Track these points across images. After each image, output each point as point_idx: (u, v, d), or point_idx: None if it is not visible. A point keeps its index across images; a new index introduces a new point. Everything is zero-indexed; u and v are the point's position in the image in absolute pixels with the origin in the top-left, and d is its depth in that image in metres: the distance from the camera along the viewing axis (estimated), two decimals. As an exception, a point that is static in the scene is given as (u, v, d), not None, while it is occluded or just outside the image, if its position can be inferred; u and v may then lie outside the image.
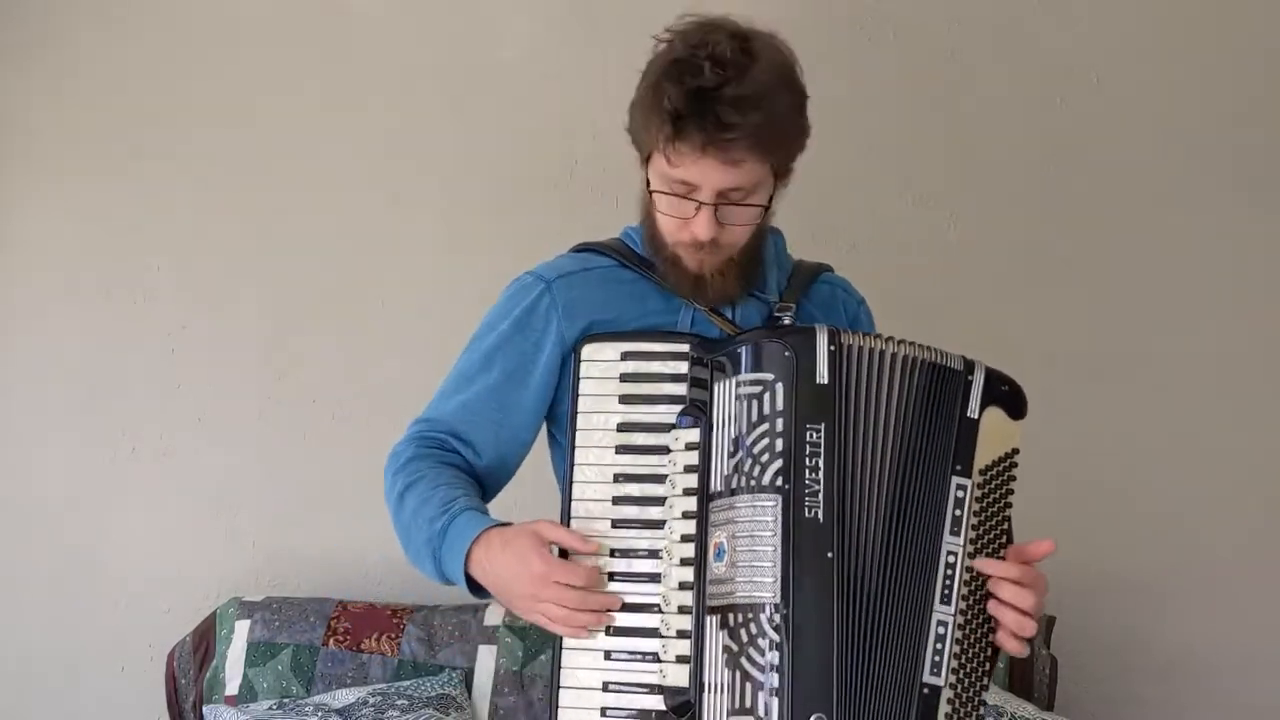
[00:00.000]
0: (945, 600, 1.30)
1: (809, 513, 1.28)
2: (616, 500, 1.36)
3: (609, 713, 1.30)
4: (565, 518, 1.36)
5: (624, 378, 1.38)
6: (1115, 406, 2.40)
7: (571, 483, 1.37)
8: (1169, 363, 2.41)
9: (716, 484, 1.31)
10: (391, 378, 2.41)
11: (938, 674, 1.29)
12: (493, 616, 2.21)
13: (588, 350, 1.40)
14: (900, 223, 2.41)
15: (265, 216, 2.42)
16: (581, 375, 1.39)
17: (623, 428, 1.37)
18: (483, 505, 1.44)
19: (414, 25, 2.43)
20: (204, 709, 2.16)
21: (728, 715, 1.25)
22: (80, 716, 2.38)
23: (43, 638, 2.38)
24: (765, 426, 1.29)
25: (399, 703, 2.06)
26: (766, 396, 1.30)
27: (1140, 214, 2.42)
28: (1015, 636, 1.31)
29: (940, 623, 1.30)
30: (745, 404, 1.31)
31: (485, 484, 1.52)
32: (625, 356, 1.39)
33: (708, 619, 1.28)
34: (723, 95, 1.32)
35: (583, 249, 1.56)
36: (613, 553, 1.34)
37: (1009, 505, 1.36)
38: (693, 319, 1.46)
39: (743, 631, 1.26)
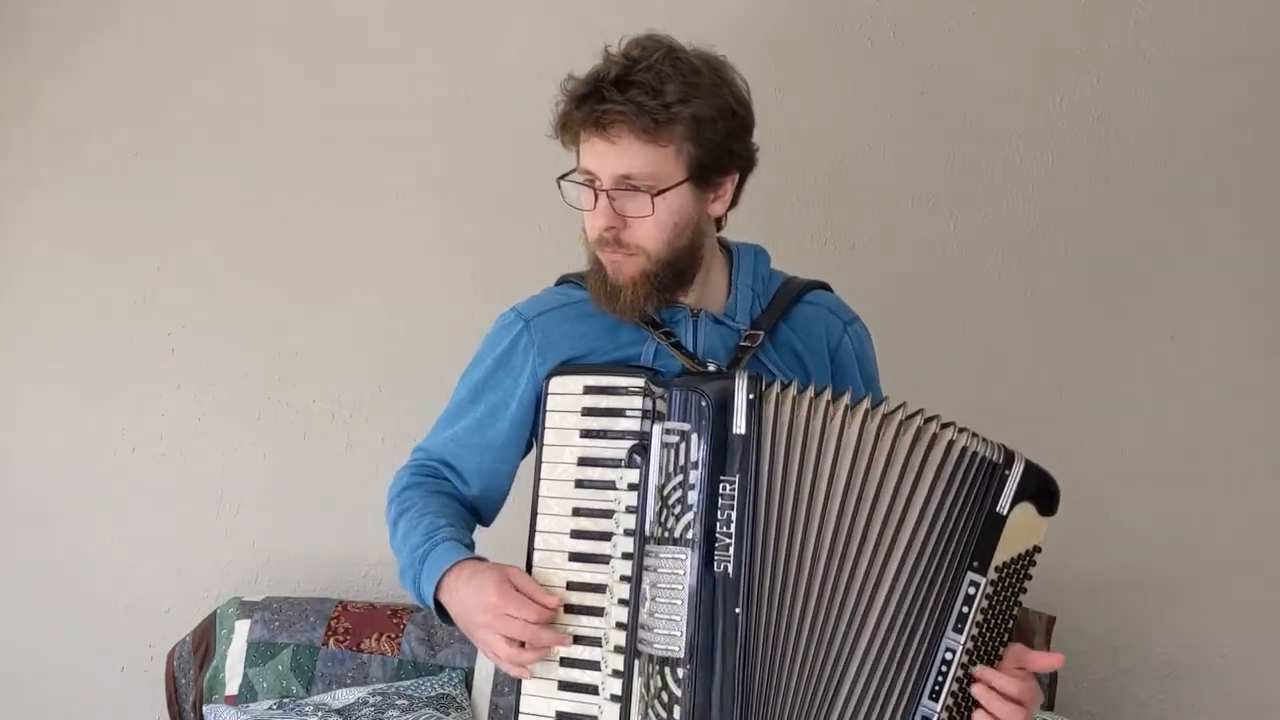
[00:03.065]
0: (934, 696, 1.29)
1: (718, 567, 1.27)
2: (574, 534, 1.38)
3: None
4: (530, 548, 1.40)
5: (585, 411, 1.40)
6: (1115, 406, 2.40)
7: (536, 514, 1.41)
8: (1169, 362, 2.41)
9: (648, 529, 1.31)
10: (391, 378, 2.41)
11: None
12: (493, 616, 2.21)
13: (554, 383, 1.43)
14: (900, 223, 2.41)
15: (265, 216, 2.42)
16: (548, 409, 1.42)
17: (582, 461, 1.39)
18: (466, 536, 1.49)
19: (413, 26, 2.42)
20: (204, 709, 2.16)
21: None
22: (80, 716, 2.38)
23: (43, 637, 2.38)
24: (680, 478, 1.29)
25: (399, 703, 2.06)
26: (683, 447, 1.29)
27: (1140, 214, 2.42)
28: None
29: (924, 717, 1.29)
30: (668, 452, 1.30)
31: (479, 510, 1.58)
32: (587, 390, 1.41)
33: (635, 663, 1.29)
34: (609, 78, 1.38)
35: (564, 281, 1.59)
36: (569, 585, 1.37)
37: (1019, 604, 1.33)
38: (655, 351, 1.47)
39: (653, 682, 1.27)
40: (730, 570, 1.27)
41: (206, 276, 2.41)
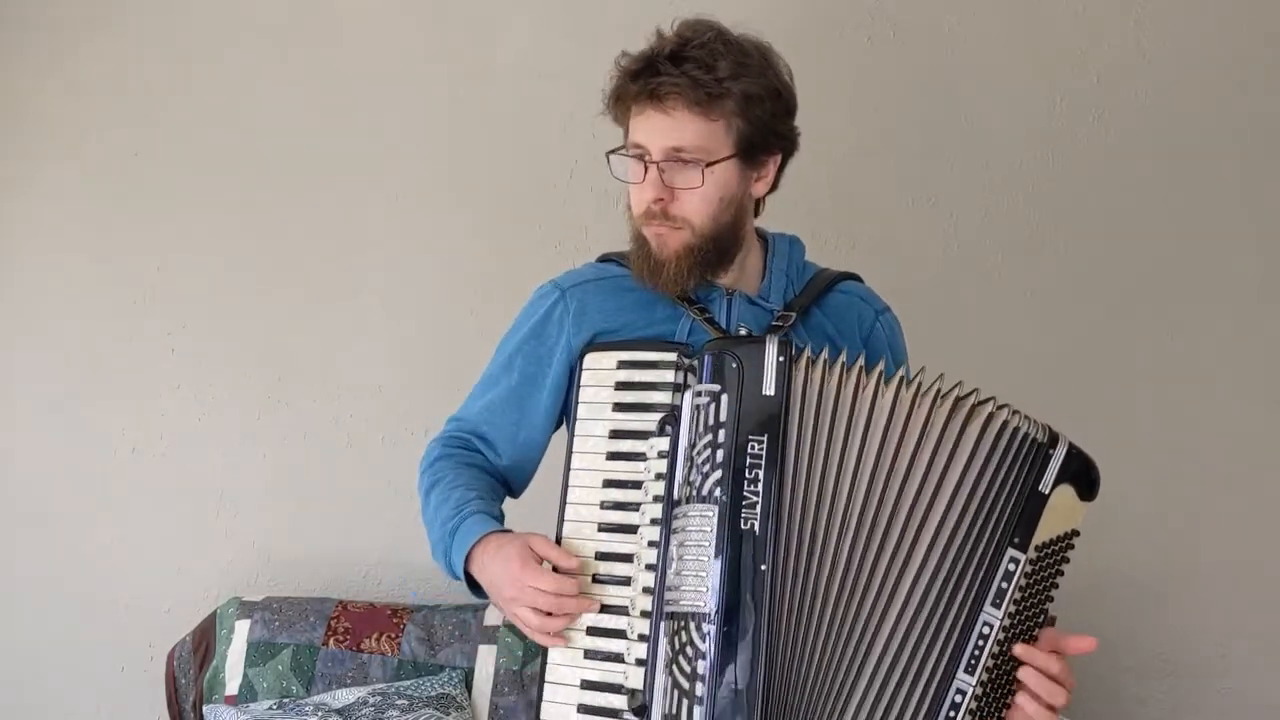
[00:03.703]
0: (969, 669, 1.30)
1: (745, 524, 1.28)
2: (604, 505, 1.39)
3: (584, 709, 1.34)
4: (560, 519, 1.41)
5: (618, 385, 1.42)
6: (1115, 406, 2.40)
7: (567, 486, 1.42)
8: (1169, 362, 2.41)
9: (677, 492, 1.33)
10: (391, 378, 2.41)
11: None
12: (493, 616, 2.21)
13: (589, 359, 1.45)
14: (900, 223, 2.41)
15: (265, 216, 2.42)
16: (582, 383, 1.44)
17: (614, 434, 1.40)
18: (496, 508, 1.50)
19: (413, 25, 2.43)
20: (204, 709, 2.16)
21: (660, 718, 1.27)
22: (80, 716, 2.38)
23: (43, 637, 2.38)
24: (709, 437, 1.31)
25: (399, 702, 2.06)
26: (713, 407, 1.31)
27: (1140, 213, 2.42)
28: None
29: (959, 690, 1.30)
30: (699, 414, 1.32)
31: (509, 481, 1.59)
32: (621, 365, 1.42)
33: (661, 624, 1.30)
34: (664, 53, 1.42)
35: (604, 258, 1.61)
36: (597, 555, 1.37)
37: (1056, 585, 1.34)
38: (690, 328, 1.49)
39: (678, 639, 1.28)
40: (757, 528, 1.28)
41: (206, 276, 2.41)
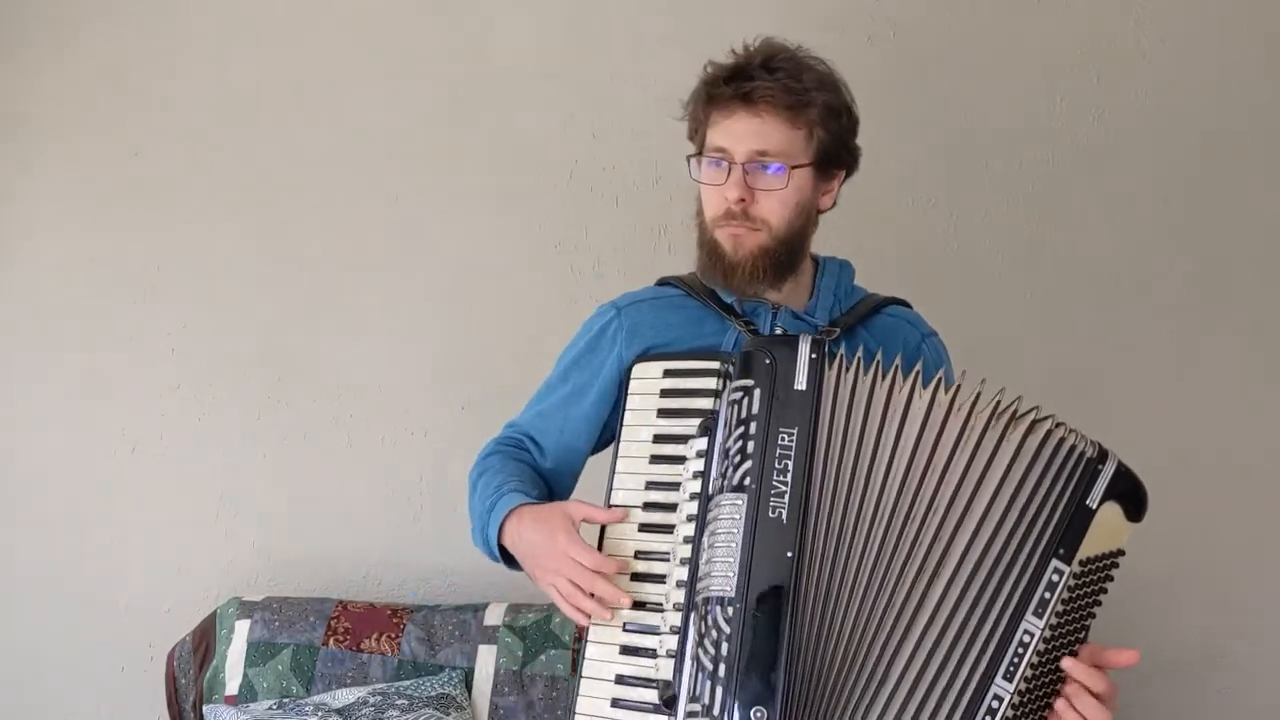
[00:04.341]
0: (1008, 676, 1.30)
1: (773, 512, 1.30)
2: (645, 506, 1.43)
3: (619, 703, 1.37)
4: (602, 525, 1.45)
5: (664, 393, 1.47)
6: (1115, 407, 2.40)
7: (611, 489, 1.46)
8: (1169, 362, 2.41)
9: (712, 487, 1.35)
10: (391, 378, 2.41)
11: None
12: (493, 616, 2.21)
13: (637, 369, 1.51)
14: (900, 223, 2.41)
15: (265, 216, 2.42)
16: (629, 392, 1.50)
17: (658, 439, 1.45)
18: (533, 493, 1.54)
19: (414, 25, 2.43)
20: (204, 709, 2.16)
21: (686, 704, 1.29)
22: (80, 716, 2.38)
23: (43, 637, 2.38)
24: (741, 430, 1.33)
25: (399, 702, 2.06)
26: (746, 401, 1.34)
27: (1140, 214, 2.42)
28: None
29: (997, 696, 1.30)
30: (733, 410, 1.35)
31: (551, 485, 1.64)
32: (667, 374, 1.48)
33: (691, 614, 1.32)
34: (756, 62, 1.50)
35: (662, 281, 1.68)
36: (636, 554, 1.41)
37: (1099, 603, 1.34)
38: (736, 340, 1.53)
39: (704, 623, 1.29)
40: (784, 516, 1.30)
41: (206, 276, 2.41)
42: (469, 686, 2.15)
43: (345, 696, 2.09)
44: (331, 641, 2.18)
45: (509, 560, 1.51)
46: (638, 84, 2.41)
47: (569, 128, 2.41)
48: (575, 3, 2.43)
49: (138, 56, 2.43)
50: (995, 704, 1.29)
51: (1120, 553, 1.35)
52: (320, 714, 2.04)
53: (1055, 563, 1.31)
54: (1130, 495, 1.35)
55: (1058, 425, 1.35)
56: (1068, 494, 1.33)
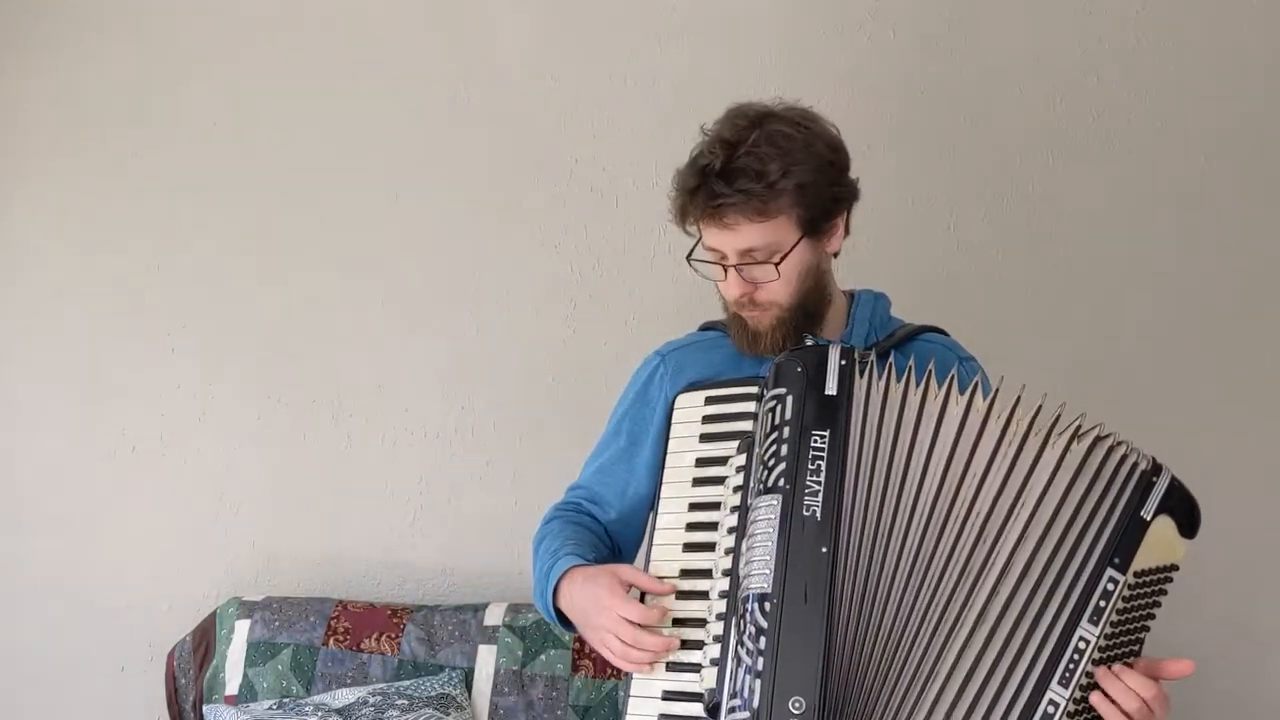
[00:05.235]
0: (1064, 682, 1.30)
1: (806, 510, 1.32)
2: (690, 527, 1.46)
3: (666, 718, 1.39)
4: (649, 544, 1.51)
5: (705, 419, 1.51)
6: (1115, 407, 2.39)
7: (657, 514, 1.50)
8: (1169, 362, 2.41)
9: (750, 496, 1.38)
10: (391, 378, 2.41)
11: None
12: (493, 616, 2.21)
13: (680, 400, 1.55)
14: (900, 223, 2.41)
15: (265, 216, 2.42)
16: (674, 422, 1.54)
17: (700, 462, 1.49)
18: (590, 555, 1.58)
19: (414, 25, 2.42)
20: (204, 709, 2.16)
21: (727, 700, 1.30)
22: (80, 716, 2.38)
23: (42, 637, 2.38)
24: (775, 435, 1.36)
25: (399, 702, 2.06)
26: (779, 408, 1.37)
27: (1140, 213, 2.42)
28: None
29: (1052, 702, 1.30)
30: (769, 418, 1.38)
31: (618, 538, 1.68)
32: (709, 401, 1.52)
33: (732, 619, 1.34)
34: (715, 169, 1.51)
35: (704, 326, 1.75)
36: (681, 573, 1.44)
37: (1153, 617, 1.34)
38: None
39: (743, 621, 1.31)
40: (819, 513, 1.32)
41: (206, 276, 2.41)
42: (469, 686, 2.15)
43: (345, 696, 2.09)
44: (331, 641, 2.18)
45: (566, 623, 1.55)
46: (638, 84, 2.41)
47: (569, 128, 2.41)
48: (575, 3, 2.43)
49: (137, 57, 2.42)
50: (1051, 709, 1.30)
51: (1174, 567, 1.36)
52: (320, 714, 2.04)
53: (1110, 571, 1.32)
54: (1184, 510, 1.36)
55: (1108, 435, 1.37)
56: (1121, 504, 1.34)
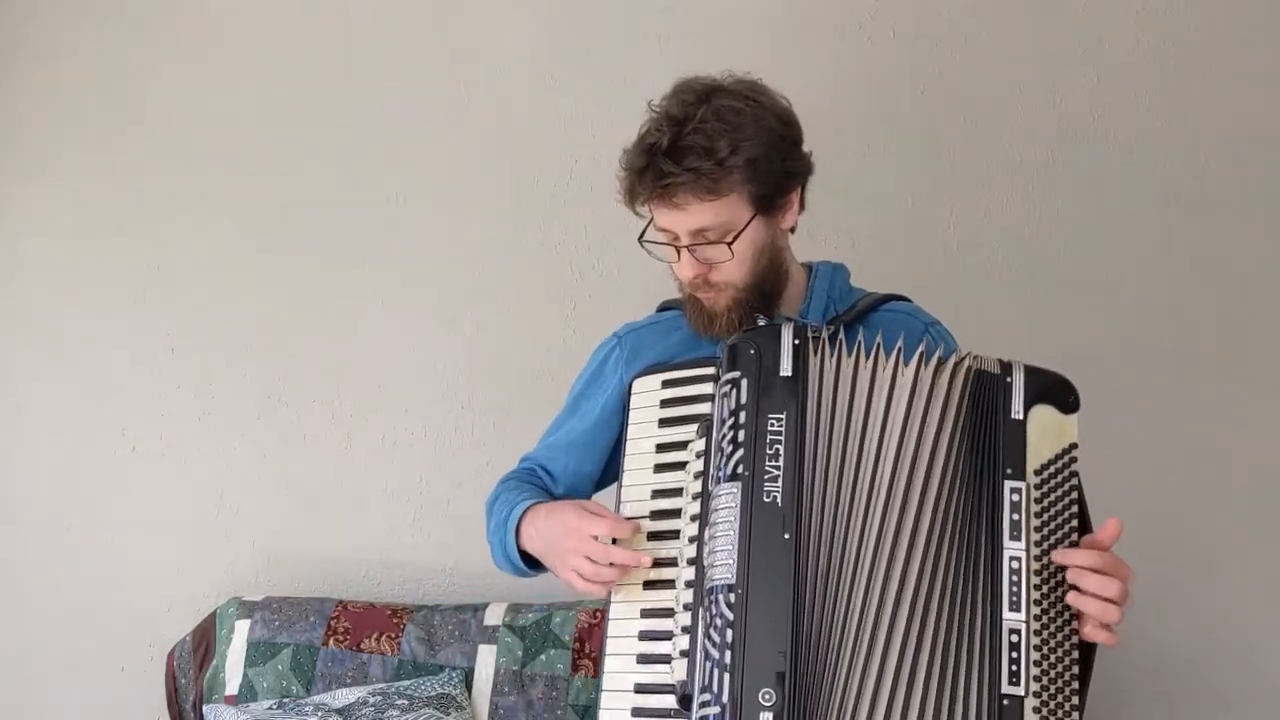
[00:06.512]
0: (1014, 607, 1.29)
1: (767, 497, 1.31)
2: (654, 515, 1.44)
3: (639, 712, 1.38)
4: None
5: (663, 403, 1.49)
6: (1114, 407, 2.40)
7: (619, 503, 1.48)
8: (1169, 361, 2.41)
9: (710, 482, 1.36)
10: (391, 377, 2.41)
11: (1017, 683, 1.28)
12: (493, 616, 2.21)
13: (637, 384, 1.53)
14: (900, 222, 2.41)
15: (265, 216, 2.42)
16: (631, 407, 1.52)
17: (660, 448, 1.47)
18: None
19: (413, 26, 2.43)
20: (204, 708, 2.16)
21: (698, 694, 1.28)
22: (80, 716, 2.38)
23: (43, 637, 2.38)
24: (732, 420, 1.34)
25: (399, 702, 2.06)
26: (734, 392, 1.35)
27: (1140, 213, 2.42)
28: (1103, 627, 1.31)
29: (1013, 630, 1.29)
30: (723, 403, 1.36)
31: None
32: (665, 384, 1.50)
33: (699, 610, 1.32)
34: (662, 147, 1.46)
35: (662, 306, 1.72)
36: (655, 563, 1.42)
37: (1075, 502, 1.33)
38: None
39: (709, 613, 1.29)
40: (779, 500, 1.30)
41: (206, 277, 2.41)
42: (469, 686, 2.15)
43: (345, 696, 2.09)
44: (331, 641, 2.18)
45: (532, 564, 1.54)
46: (638, 84, 2.40)
47: (569, 128, 2.41)
48: (576, 3, 2.43)
49: (138, 57, 2.43)
50: (1015, 637, 1.29)
51: (1074, 447, 1.34)
52: (320, 714, 2.04)
53: (1009, 484, 1.32)
54: (1054, 391, 1.35)
55: (962, 358, 1.36)
56: (992, 415, 1.34)
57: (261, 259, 2.41)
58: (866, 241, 2.39)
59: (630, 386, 1.53)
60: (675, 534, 1.41)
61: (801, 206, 1.59)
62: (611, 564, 1.38)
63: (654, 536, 1.43)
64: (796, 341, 1.35)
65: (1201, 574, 2.40)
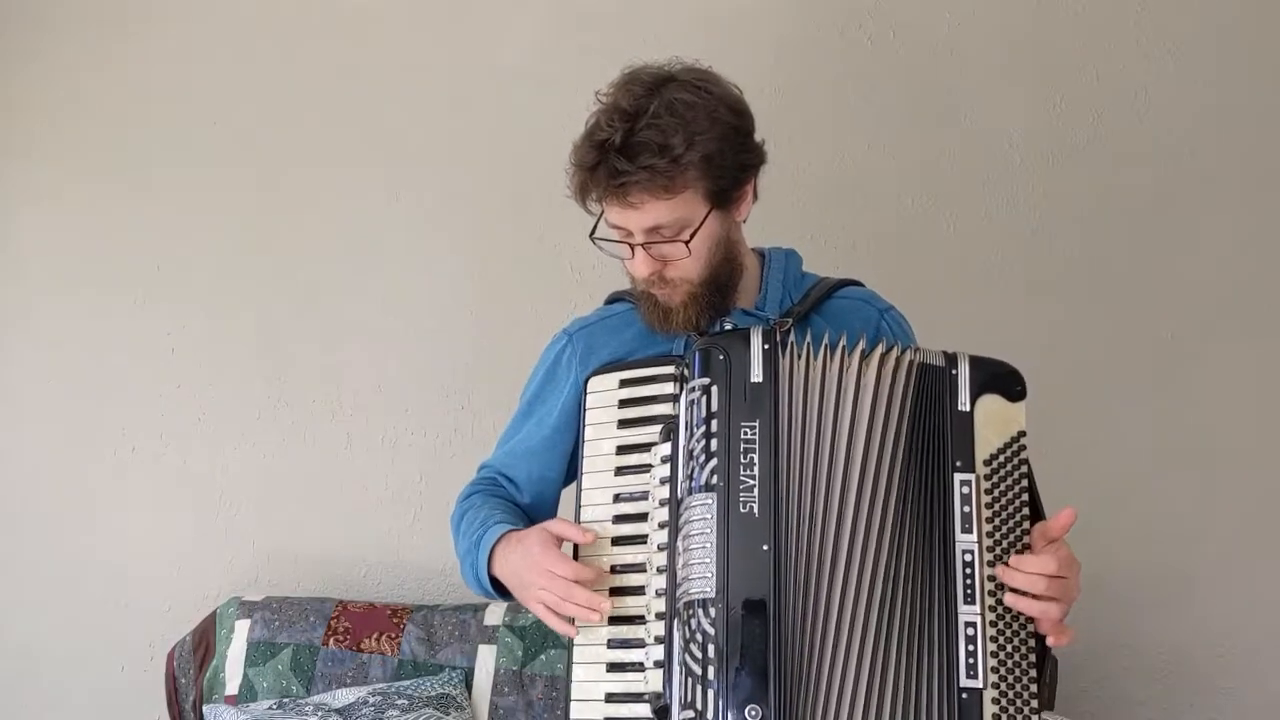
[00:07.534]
0: (969, 600, 1.29)
1: (743, 508, 1.29)
2: (616, 519, 1.41)
3: None
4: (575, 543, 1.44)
5: (622, 403, 1.45)
6: (1113, 406, 2.40)
7: (580, 507, 1.45)
8: (1168, 362, 2.41)
9: (680, 490, 1.34)
10: (391, 378, 2.41)
11: (975, 676, 1.28)
12: (493, 616, 2.21)
13: (592, 383, 1.48)
14: (900, 223, 2.41)
15: (265, 216, 2.42)
16: (587, 406, 1.47)
17: (621, 450, 1.43)
18: (519, 525, 1.52)
19: (413, 28, 2.43)
20: (204, 708, 2.16)
21: (679, 712, 1.27)
22: (80, 716, 2.38)
23: (43, 637, 2.38)
24: (703, 429, 1.32)
25: (399, 702, 2.06)
26: (704, 400, 1.33)
27: (1140, 214, 2.42)
28: (1052, 626, 1.30)
29: (968, 624, 1.29)
30: (693, 409, 1.34)
31: (531, 517, 1.61)
32: (623, 384, 1.46)
33: (675, 620, 1.30)
34: (615, 144, 1.41)
35: (611, 298, 1.67)
36: (612, 569, 1.39)
37: (1026, 490, 1.33)
38: (686, 343, 1.51)
39: (688, 628, 1.27)
40: (756, 510, 1.29)
41: (206, 276, 2.41)
42: (469, 686, 2.15)
43: (345, 696, 2.09)
44: (331, 641, 2.18)
45: (503, 593, 1.51)
46: (638, 84, 2.40)
47: (569, 128, 2.40)
48: (576, 3, 2.43)
49: (139, 57, 2.43)
50: (970, 631, 1.28)
51: (1022, 434, 1.34)
52: (320, 714, 2.04)
53: (958, 476, 1.31)
54: (999, 381, 1.35)
55: (904, 352, 1.35)
56: (938, 409, 1.33)
57: (262, 259, 2.41)
58: (866, 241, 2.40)
59: (585, 385, 1.49)
60: (640, 539, 1.38)
61: (755, 196, 1.55)
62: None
63: (618, 541, 1.39)
64: (766, 346, 1.33)
65: (1207, 576, 2.40)
